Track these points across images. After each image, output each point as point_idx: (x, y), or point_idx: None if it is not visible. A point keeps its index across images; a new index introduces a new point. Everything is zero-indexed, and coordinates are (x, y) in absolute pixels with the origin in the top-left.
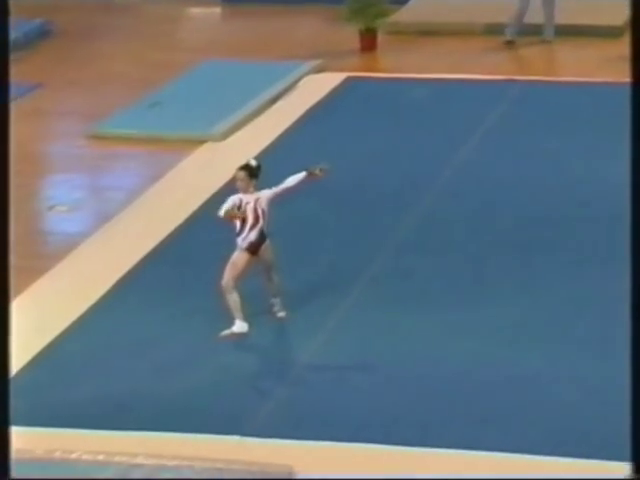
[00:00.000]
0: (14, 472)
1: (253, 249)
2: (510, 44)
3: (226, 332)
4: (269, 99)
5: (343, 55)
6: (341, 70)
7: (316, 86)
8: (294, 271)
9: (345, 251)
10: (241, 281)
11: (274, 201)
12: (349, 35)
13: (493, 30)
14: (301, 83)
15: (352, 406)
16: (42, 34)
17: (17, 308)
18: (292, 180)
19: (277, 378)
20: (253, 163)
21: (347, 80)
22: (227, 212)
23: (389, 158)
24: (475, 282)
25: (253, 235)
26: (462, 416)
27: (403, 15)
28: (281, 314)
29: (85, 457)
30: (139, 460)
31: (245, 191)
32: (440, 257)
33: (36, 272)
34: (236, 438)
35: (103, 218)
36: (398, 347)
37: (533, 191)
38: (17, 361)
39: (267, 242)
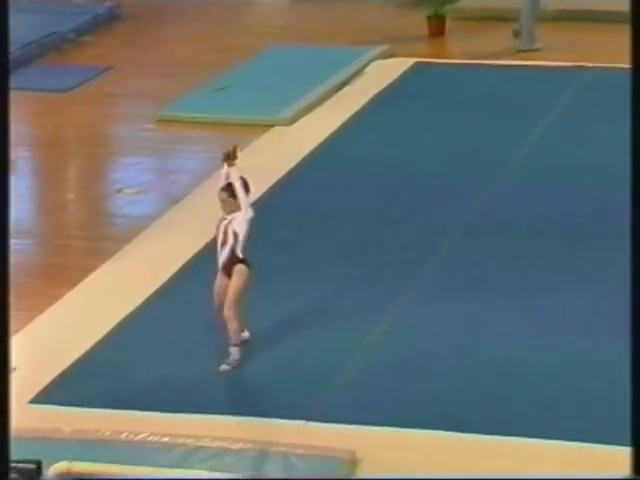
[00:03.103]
0: (82, 453)
1: (227, 270)
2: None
3: (224, 367)
4: (337, 84)
5: (411, 41)
6: (409, 56)
7: (384, 72)
8: (359, 257)
9: (410, 236)
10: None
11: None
12: (417, 21)
13: (561, 16)
14: (369, 68)
15: (415, 392)
16: (111, 18)
17: (84, 290)
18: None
19: (341, 363)
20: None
21: (415, 66)
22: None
23: (457, 144)
24: (541, 268)
25: (224, 254)
26: (528, 404)
27: (471, 0)
28: (224, 367)
29: (150, 439)
30: (203, 442)
31: (228, 211)
32: (505, 243)
33: (104, 254)
34: (300, 422)
35: (170, 201)
36: (463, 333)
37: (601, 178)
38: (84, 343)
39: (239, 266)
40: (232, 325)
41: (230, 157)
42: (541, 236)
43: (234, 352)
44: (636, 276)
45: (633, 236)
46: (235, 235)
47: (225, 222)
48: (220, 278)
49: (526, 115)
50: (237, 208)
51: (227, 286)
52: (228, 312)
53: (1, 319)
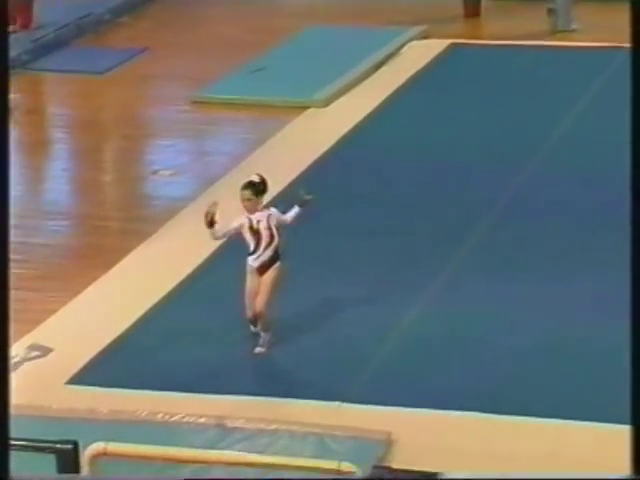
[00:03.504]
0: (118, 433)
1: (264, 269)
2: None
3: (259, 349)
4: (372, 65)
5: (447, 21)
6: (445, 37)
7: (420, 53)
8: (393, 239)
9: (445, 219)
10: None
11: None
12: (453, 1)
13: None
14: (405, 50)
15: (451, 373)
16: None
17: (121, 271)
18: (292, 214)
19: (377, 344)
20: (256, 179)
21: (451, 47)
22: (207, 212)
23: (492, 126)
24: (576, 251)
25: (267, 254)
26: (563, 385)
27: None
28: (259, 349)
29: (186, 420)
30: (239, 423)
31: (252, 210)
32: (541, 225)
33: (140, 236)
34: (335, 404)
35: (206, 183)
36: (497, 316)
37: None
38: (120, 324)
39: (278, 264)
40: (264, 316)
41: (210, 223)
42: (575, 219)
43: (265, 334)
44: (636, 274)
45: (633, 233)
46: (278, 231)
47: (263, 221)
48: (253, 278)
49: (562, 97)
50: (259, 207)
51: (259, 285)
52: (262, 307)
53: (1, 316)
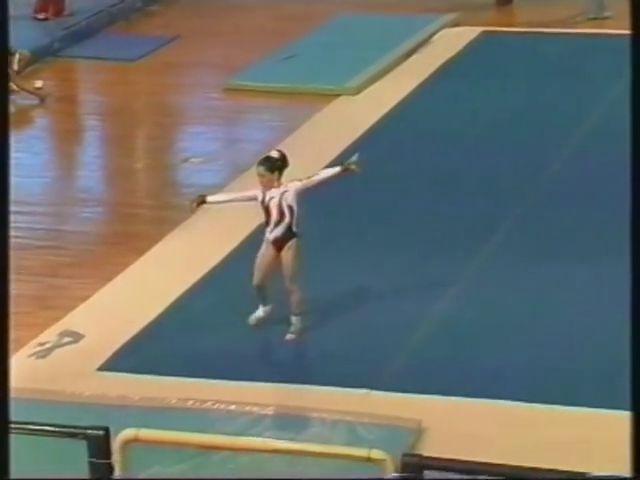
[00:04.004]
0: (149, 420)
1: (278, 245)
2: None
3: (290, 336)
4: (404, 53)
5: (479, 9)
6: (477, 24)
7: (451, 40)
8: (427, 226)
9: (478, 206)
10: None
11: (305, 194)
12: None
13: None
14: (436, 37)
15: (482, 361)
16: None
17: (152, 258)
18: (326, 173)
19: (408, 332)
20: (274, 155)
21: (482, 34)
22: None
23: (524, 113)
24: (608, 239)
25: (279, 231)
26: (596, 373)
27: None
28: (290, 336)
29: (217, 407)
30: (269, 410)
31: (268, 186)
32: (573, 213)
33: (170, 223)
34: (366, 391)
35: (237, 170)
36: (531, 303)
37: None
38: (151, 311)
39: (293, 241)
40: (295, 296)
41: (273, 165)
42: (608, 206)
43: (296, 321)
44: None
45: (633, 228)
46: (291, 210)
47: (275, 198)
48: (267, 250)
49: (594, 84)
50: (275, 183)
51: (274, 259)
52: (291, 285)
53: (1, 312)
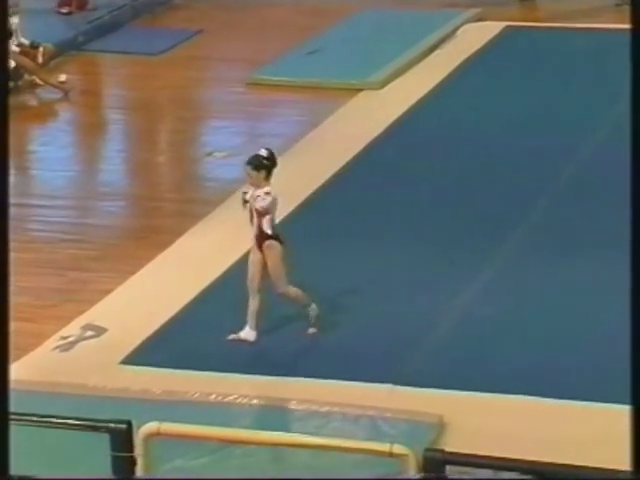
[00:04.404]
0: (171, 414)
1: (258, 243)
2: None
3: (233, 336)
4: (427, 48)
5: (502, 3)
6: (500, 19)
7: (474, 35)
8: (449, 220)
9: (502, 200)
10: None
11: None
12: None
13: None
14: (459, 32)
15: (505, 357)
16: None
17: (175, 252)
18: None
19: (430, 327)
20: (263, 153)
21: (506, 29)
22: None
23: (548, 108)
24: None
25: (254, 231)
26: (617, 369)
27: None
28: (312, 330)
29: (239, 401)
30: (292, 405)
31: (256, 185)
32: (598, 207)
33: (194, 217)
34: (388, 386)
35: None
36: (554, 298)
37: None
38: (174, 305)
39: (270, 242)
40: (290, 295)
41: (259, 165)
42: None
43: (311, 311)
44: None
45: (633, 227)
46: (259, 213)
47: (252, 201)
48: (254, 251)
49: (619, 79)
50: (263, 182)
51: (260, 260)
52: (280, 289)
53: (1, 309)
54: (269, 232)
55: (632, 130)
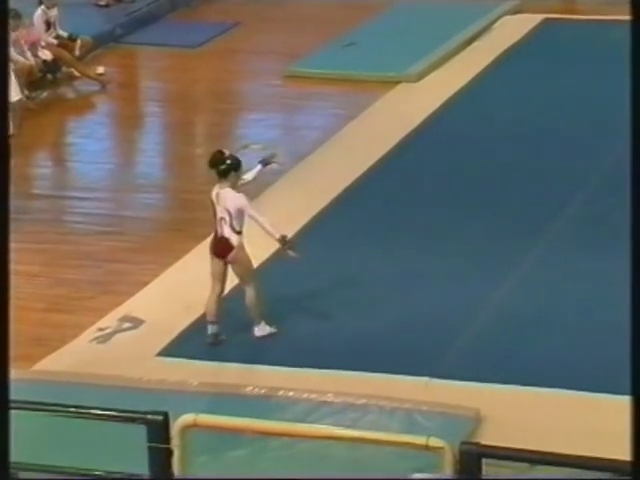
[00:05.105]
0: (208, 405)
1: (210, 249)
2: None
3: (258, 333)
4: (465, 40)
5: None
6: (538, 11)
7: (512, 28)
8: (488, 213)
9: (540, 193)
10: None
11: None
12: None
13: None
14: (497, 25)
15: (541, 350)
16: None
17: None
18: (262, 222)
19: (467, 320)
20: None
21: (544, 22)
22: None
23: (586, 101)
24: None
25: (221, 230)
26: None
27: None
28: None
29: (275, 393)
30: (328, 398)
31: (235, 186)
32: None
33: None
34: (424, 379)
35: (297, 157)
36: (590, 292)
37: None
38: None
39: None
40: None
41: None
42: None
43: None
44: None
45: (633, 227)
46: (229, 213)
47: (217, 199)
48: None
49: None
50: (237, 183)
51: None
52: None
53: (1, 305)
54: (238, 228)
55: (632, 128)
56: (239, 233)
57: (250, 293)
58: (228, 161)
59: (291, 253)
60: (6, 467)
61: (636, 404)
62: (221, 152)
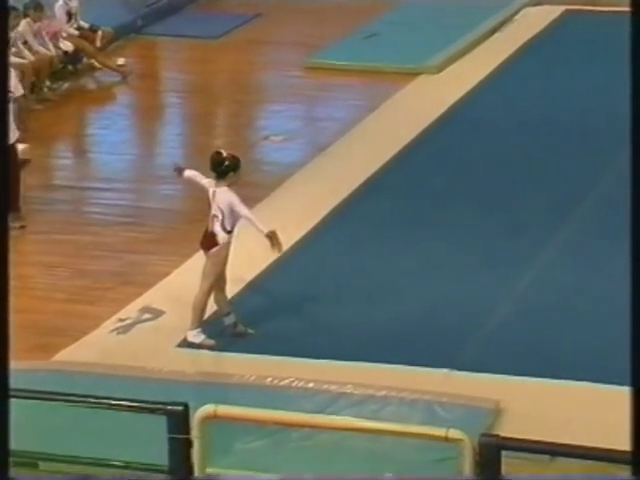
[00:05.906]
0: (227, 397)
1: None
2: None
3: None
4: (485, 32)
5: None
6: (559, 3)
7: (533, 19)
8: (506, 206)
9: (558, 186)
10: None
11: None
12: None
13: None
14: (518, 16)
15: (562, 342)
16: None
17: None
18: (250, 219)
19: (487, 312)
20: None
21: (565, 13)
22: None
23: (607, 93)
24: None
25: (212, 226)
26: None
27: None
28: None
29: (295, 384)
30: (347, 389)
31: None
32: None
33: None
34: (444, 371)
35: (317, 149)
36: (611, 284)
37: None
38: (230, 289)
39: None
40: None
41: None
42: None
43: (227, 320)
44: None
45: (633, 227)
46: (222, 211)
47: (213, 197)
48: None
49: None
50: (235, 183)
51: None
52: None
53: (1, 303)
54: (228, 228)
55: (632, 129)
56: (229, 233)
57: (200, 294)
58: (227, 162)
59: (277, 250)
60: (5, 467)
61: (638, 396)
62: (219, 153)
